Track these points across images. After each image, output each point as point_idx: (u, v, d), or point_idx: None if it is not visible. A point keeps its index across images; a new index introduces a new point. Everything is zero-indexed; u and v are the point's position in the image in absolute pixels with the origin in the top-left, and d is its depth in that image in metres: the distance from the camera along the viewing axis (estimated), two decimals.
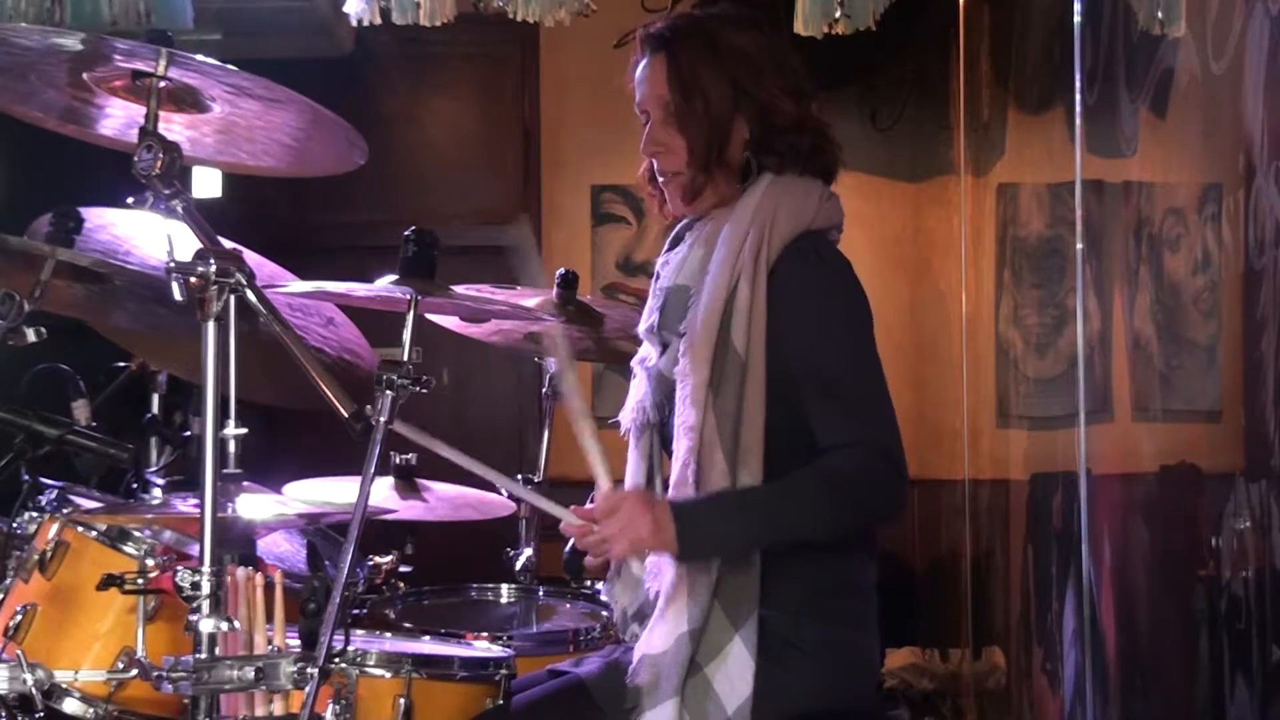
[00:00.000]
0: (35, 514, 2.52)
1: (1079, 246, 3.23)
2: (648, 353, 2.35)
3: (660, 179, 2.30)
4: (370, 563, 3.00)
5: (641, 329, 2.36)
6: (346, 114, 2.13)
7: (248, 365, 2.07)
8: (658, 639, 2.14)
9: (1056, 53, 3.50)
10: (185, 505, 2.22)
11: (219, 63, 2.01)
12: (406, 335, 2.29)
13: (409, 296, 2.31)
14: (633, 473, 2.32)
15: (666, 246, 2.37)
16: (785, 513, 2.12)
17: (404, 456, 3.27)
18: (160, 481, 2.83)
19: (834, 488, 2.10)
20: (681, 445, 2.17)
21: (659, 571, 2.17)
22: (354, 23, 3.89)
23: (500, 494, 3.24)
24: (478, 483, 3.33)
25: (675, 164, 2.27)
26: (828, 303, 2.20)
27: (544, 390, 3.32)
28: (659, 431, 2.30)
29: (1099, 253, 3.15)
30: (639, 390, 2.33)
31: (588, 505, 2.18)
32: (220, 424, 1.95)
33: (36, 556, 2.45)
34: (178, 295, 1.93)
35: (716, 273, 2.19)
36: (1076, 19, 3.20)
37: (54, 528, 2.46)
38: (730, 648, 2.12)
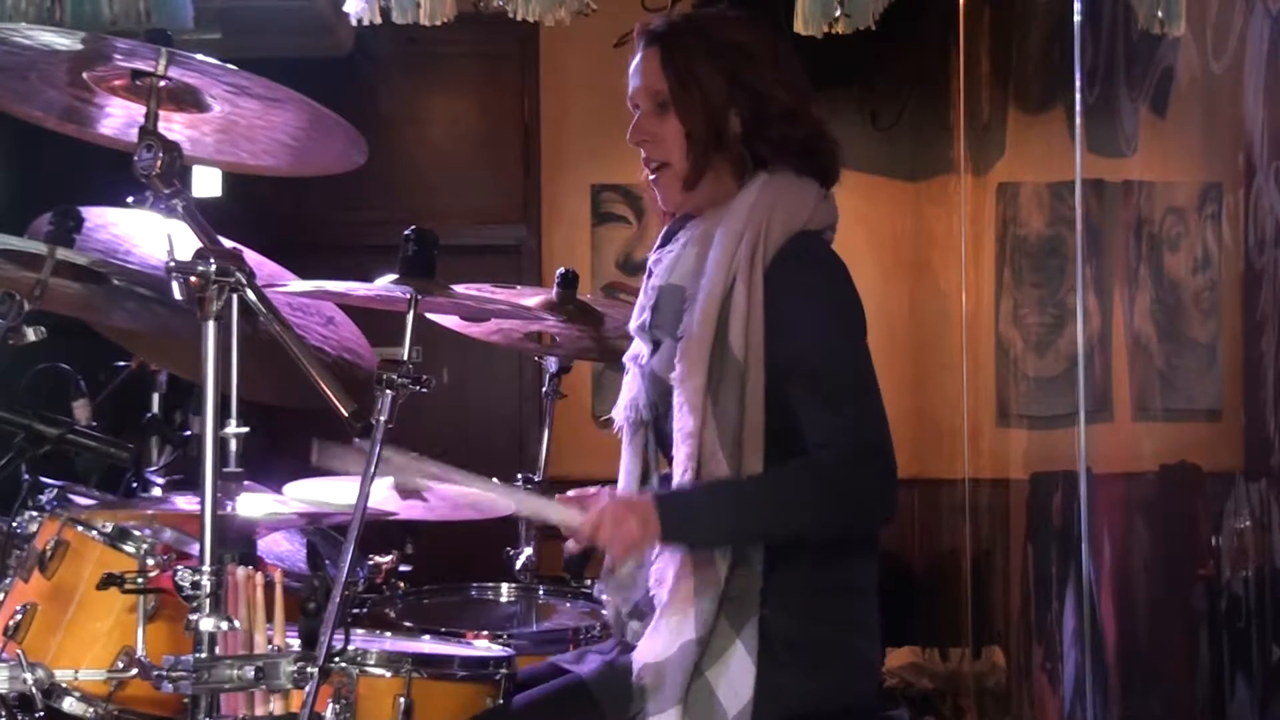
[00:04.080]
0: (35, 513, 2.52)
1: (1079, 246, 3.23)
2: (639, 350, 2.35)
3: (648, 170, 2.30)
4: (370, 562, 3.00)
5: (633, 326, 2.36)
6: (346, 114, 2.13)
7: (248, 365, 2.07)
8: (661, 644, 2.14)
9: (1056, 52, 3.50)
10: (185, 504, 2.22)
11: (219, 62, 2.01)
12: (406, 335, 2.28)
13: (409, 296, 2.31)
14: (626, 470, 2.32)
15: (659, 243, 2.36)
16: (773, 506, 2.12)
17: None
18: (160, 481, 2.83)
19: (823, 483, 2.10)
20: (681, 451, 2.17)
21: (662, 578, 2.18)
22: (354, 22, 3.89)
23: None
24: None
25: (662, 154, 2.27)
26: (822, 305, 2.20)
27: (544, 390, 3.32)
28: (653, 429, 2.30)
29: (1099, 252, 3.15)
30: (632, 388, 2.33)
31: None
32: (220, 423, 1.95)
33: (36, 556, 2.45)
34: (178, 295, 1.93)
35: (712, 274, 2.19)
36: (1076, 18, 3.20)
37: (54, 527, 2.46)
38: (732, 652, 2.12)
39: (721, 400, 2.15)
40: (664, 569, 2.17)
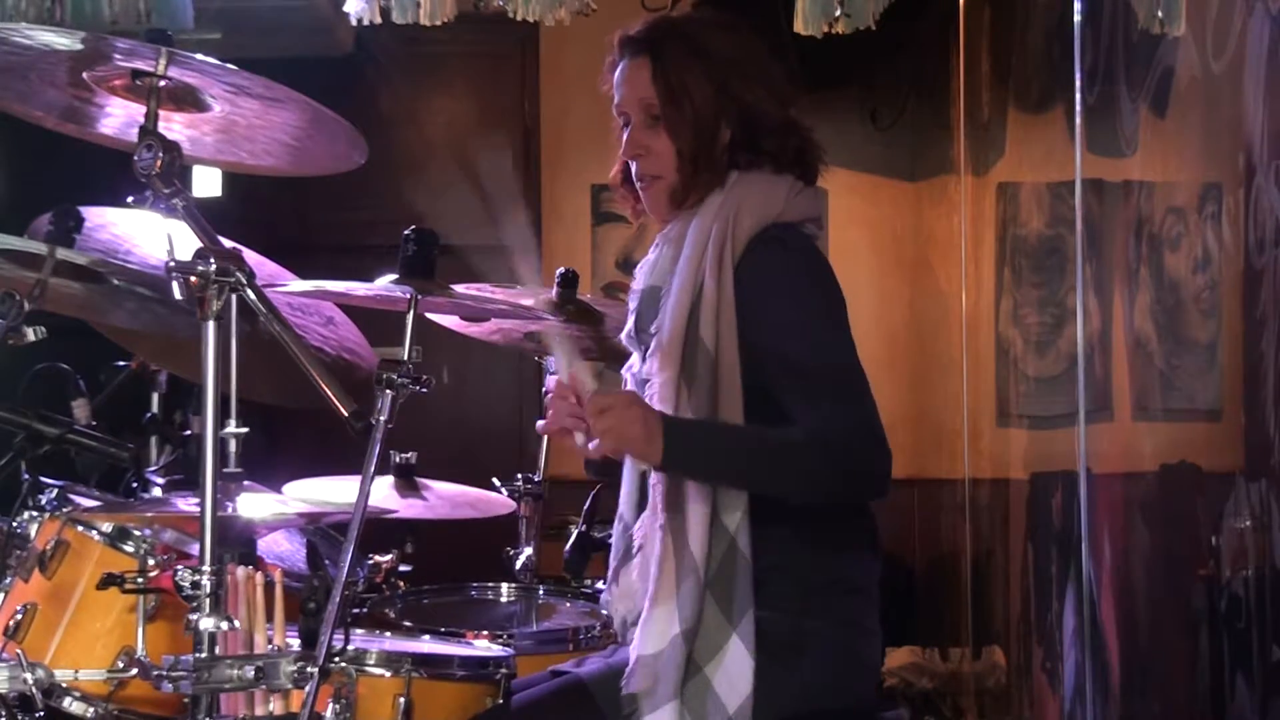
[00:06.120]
0: (35, 513, 2.52)
1: (1079, 246, 3.23)
2: (633, 360, 2.36)
3: (640, 182, 2.31)
4: (370, 562, 3.00)
5: (623, 335, 2.37)
6: (346, 114, 2.13)
7: (248, 365, 2.07)
8: (651, 640, 2.13)
9: (1056, 52, 3.49)
10: (185, 504, 2.22)
11: (219, 62, 2.01)
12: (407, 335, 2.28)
13: (409, 296, 2.31)
14: (626, 479, 2.32)
15: (649, 252, 2.37)
16: (770, 454, 2.11)
17: (404, 455, 3.27)
18: (160, 481, 2.83)
19: (817, 444, 2.08)
20: None
21: (646, 570, 2.17)
22: (354, 22, 3.89)
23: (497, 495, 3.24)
24: (477, 482, 3.36)
25: (656, 167, 2.27)
26: (795, 289, 2.19)
27: (544, 390, 3.31)
28: None
29: (1099, 252, 3.15)
30: None
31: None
32: (220, 423, 1.95)
33: (36, 556, 2.45)
34: (178, 295, 1.93)
35: (682, 271, 2.20)
36: (1076, 18, 3.20)
37: (54, 527, 2.46)
38: (728, 646, 2.11)
39: (695, 393, 2.15)
40: (647, 561, 2.17)
